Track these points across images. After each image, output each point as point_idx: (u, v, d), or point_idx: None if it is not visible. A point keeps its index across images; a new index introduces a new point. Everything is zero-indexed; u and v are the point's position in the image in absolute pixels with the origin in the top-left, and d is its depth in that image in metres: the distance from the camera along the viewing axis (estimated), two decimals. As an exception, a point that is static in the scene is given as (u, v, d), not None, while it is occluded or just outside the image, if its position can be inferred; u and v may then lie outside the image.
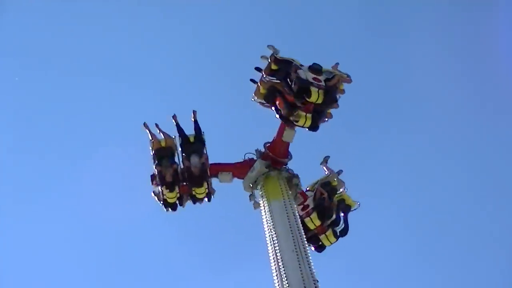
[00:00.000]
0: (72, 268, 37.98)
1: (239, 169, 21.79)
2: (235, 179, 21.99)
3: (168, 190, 21.30)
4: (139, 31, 39.56)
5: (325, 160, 23.55)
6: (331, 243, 22.94)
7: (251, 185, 21.28)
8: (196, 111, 21.91)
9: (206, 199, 21.97)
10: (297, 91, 20.11)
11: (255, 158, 21.77)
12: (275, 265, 18.77)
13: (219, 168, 21.86)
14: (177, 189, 21.40)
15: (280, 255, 18.74)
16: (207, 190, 21.67)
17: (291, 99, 20.66)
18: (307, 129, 21.21)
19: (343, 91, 21.14)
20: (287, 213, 19.77)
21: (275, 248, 19.04)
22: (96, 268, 38.19)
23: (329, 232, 22.75)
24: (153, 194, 22.20)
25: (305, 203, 22.48)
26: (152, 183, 21.90)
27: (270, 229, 19.73)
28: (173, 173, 21.29)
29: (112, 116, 38.49)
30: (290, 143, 21.44)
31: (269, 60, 20.68)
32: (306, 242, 19.26)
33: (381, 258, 36.23)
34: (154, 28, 39.67)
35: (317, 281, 17.86)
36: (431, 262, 37.40)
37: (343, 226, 23.08)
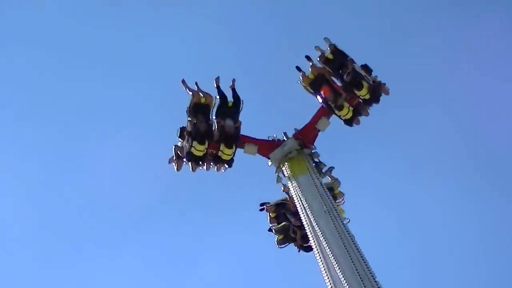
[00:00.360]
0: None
1: (265, 146, 22.42)
2: (258, 155, 22.56)
3: (198, 142, 21.46)
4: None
5: (330, 170, 24.39)
6: None
7: (279, 160, 21.83)
8: (235, 80, 22.42)
9: (226, 165, 22.26)
10: (350, 82, 21.43)
11: (281, 140, 22.47)
12: (310, 230, 19.31)
13: (246, 139, 22.39)
14: (206, 144, 21.60)
15: (314, 220, 19.31)
16: (233, 155, 22.02)
17: (338, 89, 21.86)
18: (343, 122, 22.32)
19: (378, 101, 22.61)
20: (314, 183, 20.56)
21: (309, 215, 19.60)
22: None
23: None
24: (173, 148, 22.26)
25: None
26: (180, 136, 22.01)
27: (300, 199, 20.35)
28: (206, 128, 21.59)
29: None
30: (320, 132, 22.33)
31: (328, 49, 21.87)
32: (335, 204, 19.86)
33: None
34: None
35: (353, 236, 18.41)
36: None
37: None
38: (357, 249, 18.00)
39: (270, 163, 22.46)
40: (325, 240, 18.61)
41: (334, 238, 18.55)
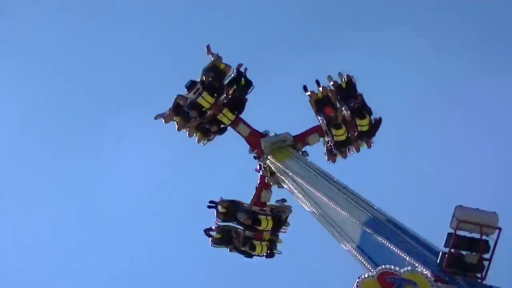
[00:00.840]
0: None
1: (256, 134, 23.45)
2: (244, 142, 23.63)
3: (208, 93, 22.20)
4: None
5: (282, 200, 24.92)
6: (258, 255, 23.70)
7: (269, 146, 22.72)
8: (246, 68, 23.98)
9: (219, 132, 23.03)
10: (356, 109, 23.19)
11: None
12: (304, 196, 20.18)
13: (242, 120, 23.36)
14: (214, 100, 22.40)
15: (308, 184, 20.16)
16: (230, 123, 22.80)
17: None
18: (332, 144, 23.68)
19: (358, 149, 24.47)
20: (302, 161, 21.91)
21: (302, 184, 20.50)
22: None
23: (265, 245, 23.65)
24: (175, 98, 22.88)
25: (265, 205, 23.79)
26: (189, 88, 22.77)
27: (289, 175, 21.41)
28: (219, 87, 22.56)
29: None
30: (307, 145, 23.59)
31: (344, 78, 23.78)
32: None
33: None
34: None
35: (347, 186, 19.31)
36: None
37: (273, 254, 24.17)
38: (351, 192, 18.73)
39: (251, 150, 23.26)
40: (320, 193, 19.28)
41: (329, 187, 19.46)
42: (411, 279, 13.91)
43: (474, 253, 14.18)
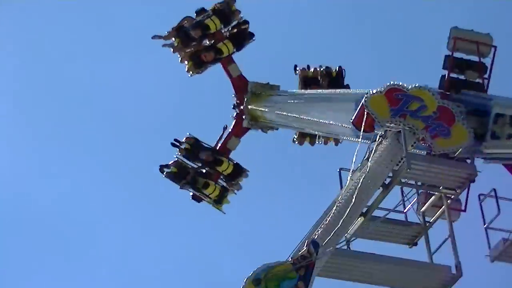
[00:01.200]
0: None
1: (245, 79, 24.10)
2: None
3: (217, 18, 23.00)
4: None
5: None
6: (209, 195, 23.40)
7: (254, 87, 23.56)
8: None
9: (214, 61, 23.67)
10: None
11: None
12: (304, 116, 20.61)
13: (235, 62, 24.05)
14: (221, 26, 23.14)
15: (305, 105, 20.96)
16: (227, 54, 23.51)
17: None
18: None
19: None
20: (287, 93, 22.80)
21: (294, 109, 21.20)
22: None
23: (218, 188, 23.54)
24: (182, 18, 23.44)
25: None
26: (198, 12, 23.29)
27: (279, 106, 22.10)
28: (229, 16, 23.30)
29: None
30: None
31: (336, 69, 24.85)
32: None
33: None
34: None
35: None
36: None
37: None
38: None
39: (233, 95, 23.98)
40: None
41: (322, 96, 20.76)
42: (419, 95, 14.65)
43: (473, 72, 15.10)
